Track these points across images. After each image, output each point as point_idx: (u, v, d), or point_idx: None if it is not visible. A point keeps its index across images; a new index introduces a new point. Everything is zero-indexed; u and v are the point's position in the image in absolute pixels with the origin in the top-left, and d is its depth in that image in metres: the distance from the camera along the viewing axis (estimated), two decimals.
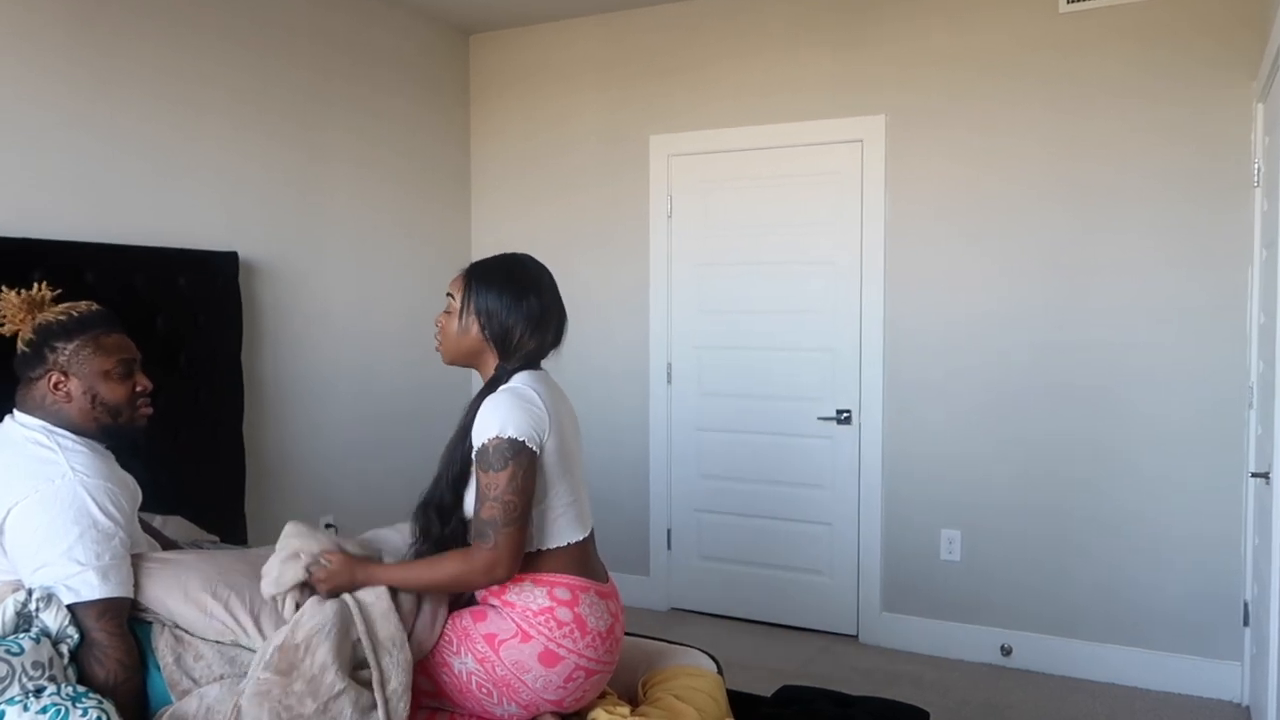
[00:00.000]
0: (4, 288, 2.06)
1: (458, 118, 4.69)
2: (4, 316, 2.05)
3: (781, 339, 4.14)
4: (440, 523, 1.95)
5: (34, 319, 2.02)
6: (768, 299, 4.15)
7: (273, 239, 3.68)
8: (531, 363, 2.00)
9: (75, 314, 2.01)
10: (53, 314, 2.01)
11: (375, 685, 1.77)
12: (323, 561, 1.93)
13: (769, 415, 4.17)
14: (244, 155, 3.55)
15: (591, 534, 2.04)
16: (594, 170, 4.48)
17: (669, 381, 4.38)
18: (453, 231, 4.67)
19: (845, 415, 4.03)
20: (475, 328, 1.97)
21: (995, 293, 3.76)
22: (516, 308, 1.95)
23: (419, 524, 1.98)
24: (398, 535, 2.14)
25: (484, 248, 4.63)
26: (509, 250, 2.09)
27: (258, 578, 1.99)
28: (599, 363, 4.44)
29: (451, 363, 2.05)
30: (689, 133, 4.26)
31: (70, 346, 1.97)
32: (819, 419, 4.07)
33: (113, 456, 2.07)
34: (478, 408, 1.91)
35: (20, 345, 2.00)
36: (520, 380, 1.95)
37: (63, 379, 1.97)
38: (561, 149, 4.55)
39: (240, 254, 3.45)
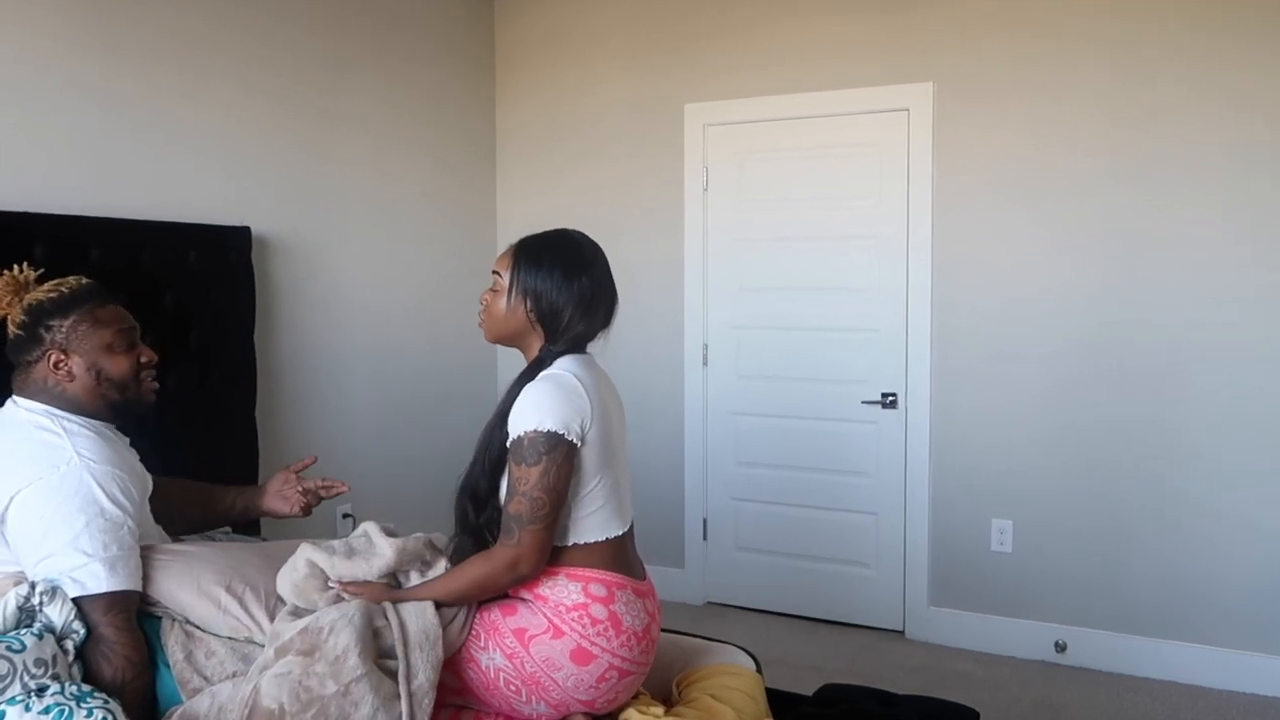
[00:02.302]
0: None
1: (482, 85, 4.56)
2: None
3: (823, 319, 4.01)
4: (475, 511, 1.92)
5: (21, 300, 1.99)
6: (809, 276, 4.03)
7: (286, 213, 3.57)
8: (578, 346, 1.94)
9: (66, 289, 1.98)
10: (41, 292, 1.98)
11: (401, 678, 1.74)
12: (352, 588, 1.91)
13: (810, 399, 4.05)
14: (255, 124, 3.44)
15: (631, 529, 1.99)
16: (626, 140, 4.36)
17: (705, 363, 4.26)
18: (477, 204, 4.55)
19: (891, 399, 3.89)
20: (522, 308, 1.91)
21: (1050, 270, 3.63)
22: (567, 288, 1.89)
23: (456, 512, 1.94)
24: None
25: (510, 221, 4.56)
26: (551, 226, 2.01)
27: (273, 571, 1.97)
28: (631, 343, 4.33)
29: (495, 341, 2.00)
30: (726, 101, 4.13)
31: (66, 323, 1.95)
32: (863, 403, 3.95)
33: (123, 441, 2.04)
34: (517, 392, 1.85)
35: (12, 329, 1.97)
36: (564, 365, 1.89)
37: (63, 357, 1.95)
38: (592, 118, 4.43)
39: (253, 228, 3.35)
